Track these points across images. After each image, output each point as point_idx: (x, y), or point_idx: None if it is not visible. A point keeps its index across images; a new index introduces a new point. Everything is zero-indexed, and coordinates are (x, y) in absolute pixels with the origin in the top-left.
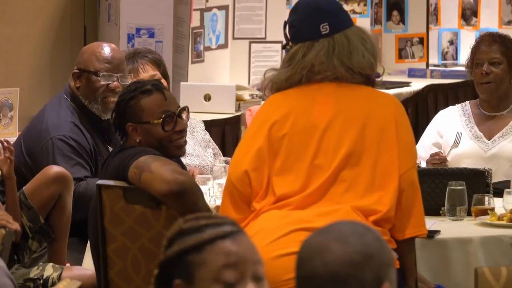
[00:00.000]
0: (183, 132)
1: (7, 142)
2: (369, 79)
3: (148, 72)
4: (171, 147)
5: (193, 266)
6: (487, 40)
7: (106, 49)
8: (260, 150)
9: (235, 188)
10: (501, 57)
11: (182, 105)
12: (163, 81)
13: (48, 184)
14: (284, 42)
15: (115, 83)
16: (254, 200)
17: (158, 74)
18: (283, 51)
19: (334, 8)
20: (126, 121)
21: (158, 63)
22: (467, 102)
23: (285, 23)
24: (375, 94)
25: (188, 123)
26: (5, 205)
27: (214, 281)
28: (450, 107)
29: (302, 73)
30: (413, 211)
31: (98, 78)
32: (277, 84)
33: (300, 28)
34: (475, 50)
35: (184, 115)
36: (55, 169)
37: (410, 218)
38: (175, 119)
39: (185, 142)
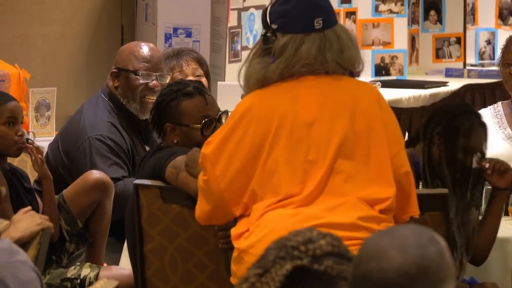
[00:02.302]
0: None
1: (33, 143)
2: (352, 74)
3: (191, 66)
4: None
5: None
6: None
7: (145, 48)
8: (248, 155)
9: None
10: None
11: (219, 105)
12: (204, 79)
13: (88, 190)
14: (263, 31)
15: (154, 82)
16: (247, 202)
17: (200, 70)
18: (262, 39)
19: (327, 4)
20: (166, 121)
21: (201, 62)
22: (499, 103)
23: (266, 11)
24: (355, 83)
25: None
26: (43, 205)
27: None
28: (482, 109)
29: (295, 67)
30: (410, 193)
31: (137, 77)
32: (269, 78)
33: (292, 20)
34: (504, 50)
35: (223, 119)
36: (95, 175)
37: (409, 199)
38: (214, 124)
39: None
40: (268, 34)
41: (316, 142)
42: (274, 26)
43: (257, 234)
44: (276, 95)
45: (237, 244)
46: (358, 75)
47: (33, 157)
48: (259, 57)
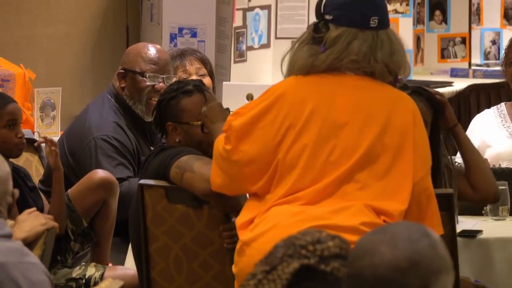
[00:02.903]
0: None
1: (47, 137)
2: (395, 80)
3: (194, 65)
4: (211, 151)
5: None
6: None
7: (152, 50)
8: (274, 140)
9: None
10: None
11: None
12: (208, 79)
13: (93, 189)
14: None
15: (160, 84)
16: (261, 189)
17: (203, 69)
18: (313, 28)
19: (384, 6)
20: (167, 120)
21: (205, 62)
22: (502, 103)
23: (322, 1)
24: (396, 95)
25: None
26: (50, 199)
27: None
28: (485, 110)
29: (344, 61)
30: (426, 218)
31: (144, 78)
32: (317, 67)
33: (348, 13)
34: (508, 50)
35: None
36: (100, 174)
37: (424, 221)
38: None
39: None
40: (320, 24)
41: (343, 145)
42: (328, 17)
43: (260, 228)
44: (315, 86)
45: (241, 235)
46: (402, 82)
47: (48, 149)
48: (307, 45)
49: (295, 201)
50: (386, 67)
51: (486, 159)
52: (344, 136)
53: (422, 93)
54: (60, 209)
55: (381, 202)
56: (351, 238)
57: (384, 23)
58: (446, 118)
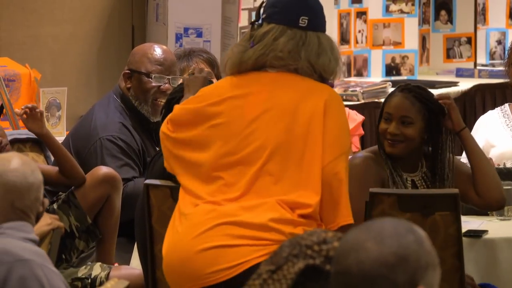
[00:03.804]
0: None
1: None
2: (323, 81)
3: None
4: None
5: None
6: None
7: (158, 51)
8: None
9: None
10: None
11: None
12: (216, 81)
13: (96, 185)
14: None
15: (166, 85)
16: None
17: (211, 73)
18: (250, 26)
19: (318, 8)
20: None
21: (213, 64)
22: (506, 104)
23: (263, 2)
24: (311, 86)
25: None
26: (57, 165)
27: None
28: (489, 111)
29: (269, 56)
30: (340, 201)
31: (150, 79)
32: (244, 63)
33: (280, 11)
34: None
35: None
36: (103, 170)
37: (338, 208)
38: None
39: None
40: (257, 22)
41: (255, 141)
42: (263, 15)
43: (180, 224)
44: (232, 86)
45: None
46: (331, 86)
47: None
48: (245, 44)
49: (216, 203)
50: (310, 65)
51: (490, 159)
52: (255, 131)
53: (412, 90)
54: (71, 161)
55: (295, 194)
56: (260, 234)
57: (314, 24)
58: (452, 122)
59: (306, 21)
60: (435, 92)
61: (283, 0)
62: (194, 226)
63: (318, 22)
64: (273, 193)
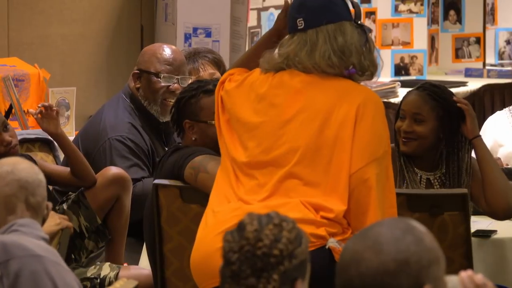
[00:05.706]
0: None
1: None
2: (342, 74)
3: (207, 71)
4: None
5: None
6: None
7: (167, 51)
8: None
9: None
10: None
11: None
12: None
13: (106, 185)
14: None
15: (175, 85)
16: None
17: (217, 73)
18: None
19: (315, 4)
20: (184, 118)
21: (218, 64)
22: None
23: None
24: (347, 88)
25: None
26: (69, 165)
27: None
28: (498, 112)
29: (284, 63)
30: (368, 209)
31: (159, 79)
32: (272, 65)
33: (288, 21)
34: None
35: None
36: (113, 170)
37: (366, 215)
38: None
39: None
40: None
41: (283, 142)
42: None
43: (207, 222)
44: (269, 82)
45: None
46: (352, 75)
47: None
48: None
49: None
50: (315, 64)
51: (498, 158)
52: (287, 132)
53: (426, 88)
54: (82, 161)
55: (321, 198)
56: None
57: (310, 22)
58: (466, 128)
59: (302, 22)
60: None
61: (290, 11)
62: (219, 223)
63: (315, 17)
64: (299, 195)
